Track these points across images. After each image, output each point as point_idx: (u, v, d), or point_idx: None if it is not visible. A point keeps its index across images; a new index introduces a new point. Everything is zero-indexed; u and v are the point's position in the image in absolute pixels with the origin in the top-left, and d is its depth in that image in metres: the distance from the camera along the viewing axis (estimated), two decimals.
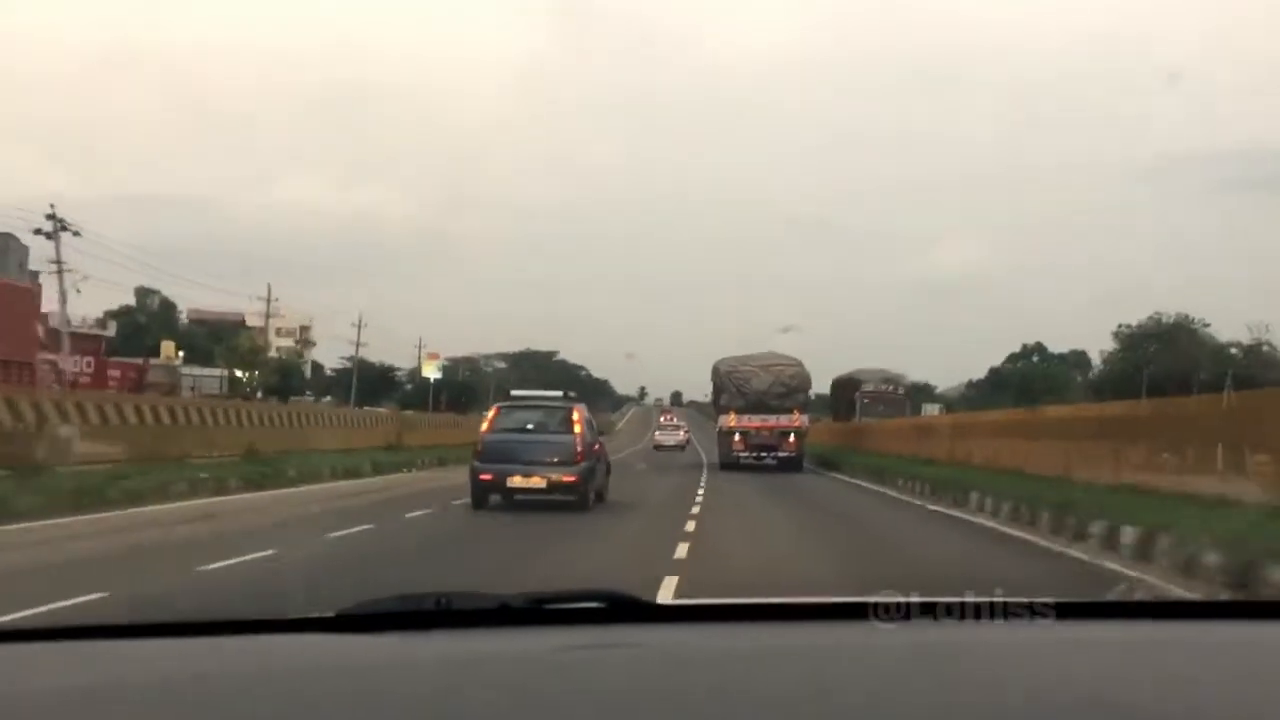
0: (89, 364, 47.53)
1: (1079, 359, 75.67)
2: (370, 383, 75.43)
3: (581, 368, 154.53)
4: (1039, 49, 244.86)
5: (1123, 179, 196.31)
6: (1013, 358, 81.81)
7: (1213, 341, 48.35)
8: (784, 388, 36.50)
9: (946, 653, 1.76)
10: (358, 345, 71.42)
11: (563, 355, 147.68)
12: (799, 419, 36.42)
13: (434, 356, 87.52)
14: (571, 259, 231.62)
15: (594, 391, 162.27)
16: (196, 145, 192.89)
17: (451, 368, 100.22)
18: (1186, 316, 49.14)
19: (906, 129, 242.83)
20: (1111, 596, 3.14)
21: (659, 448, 59.12)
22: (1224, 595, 8.25)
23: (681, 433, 67.24)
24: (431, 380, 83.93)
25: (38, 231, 44.07)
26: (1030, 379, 69.70)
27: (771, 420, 35.97)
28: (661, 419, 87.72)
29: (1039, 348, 77.22)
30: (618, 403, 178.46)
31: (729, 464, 35.43)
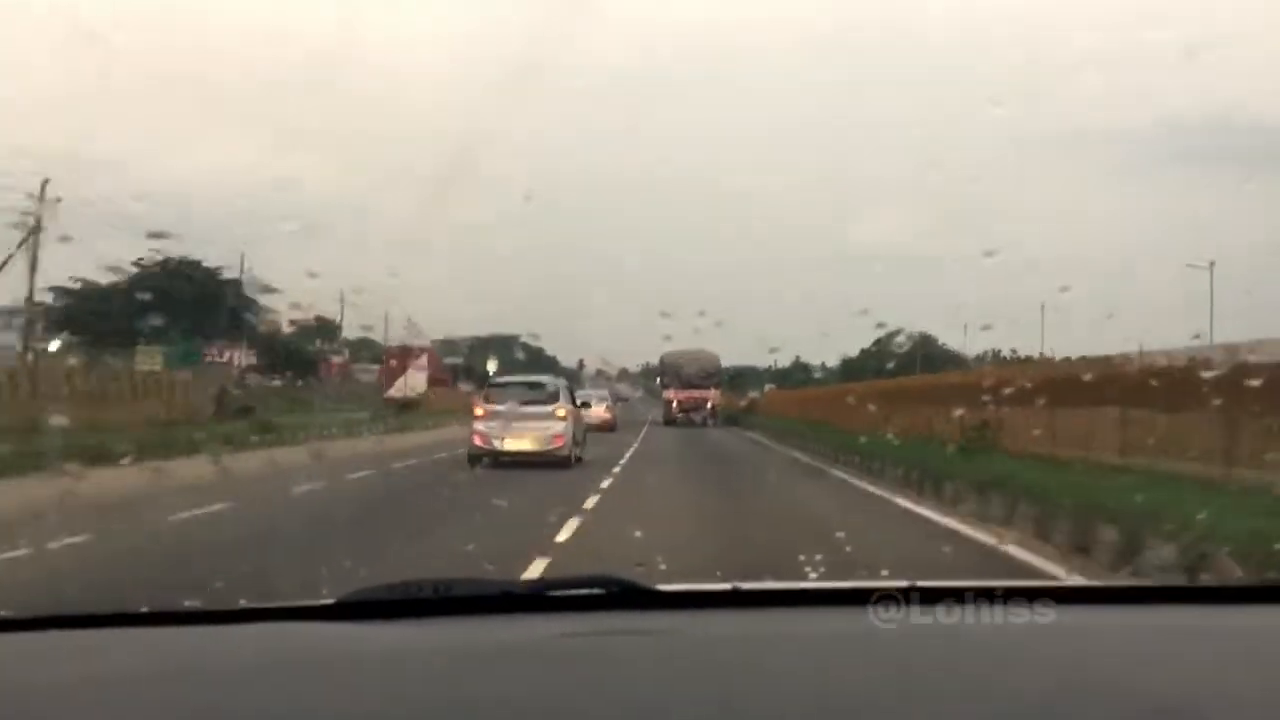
0: None
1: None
2: None
3: (540, 348, 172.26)
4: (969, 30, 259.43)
5: (1037, 156, 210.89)
6: (876, 341, 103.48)
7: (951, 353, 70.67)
8: (704, 372, 58.90)
9: (948, 640, 1.77)
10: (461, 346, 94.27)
11: (522, 336, 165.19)
12: (713, 393, 59.21)
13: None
14: (518, 238, 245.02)
15: (547, 368, 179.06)
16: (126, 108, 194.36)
17: (442, 348, 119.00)
18: (926, 334, 70.79)
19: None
20: (1110, 582, 3.28)
21: (491, 453, 19.80)
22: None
23: (559, 418, 20.50)
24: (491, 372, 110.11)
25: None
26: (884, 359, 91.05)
27: (696, 394, 58.17)
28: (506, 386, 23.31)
29: (899, 331, 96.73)
30: (569, 377, 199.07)
31: (670, 421, 57.48)
